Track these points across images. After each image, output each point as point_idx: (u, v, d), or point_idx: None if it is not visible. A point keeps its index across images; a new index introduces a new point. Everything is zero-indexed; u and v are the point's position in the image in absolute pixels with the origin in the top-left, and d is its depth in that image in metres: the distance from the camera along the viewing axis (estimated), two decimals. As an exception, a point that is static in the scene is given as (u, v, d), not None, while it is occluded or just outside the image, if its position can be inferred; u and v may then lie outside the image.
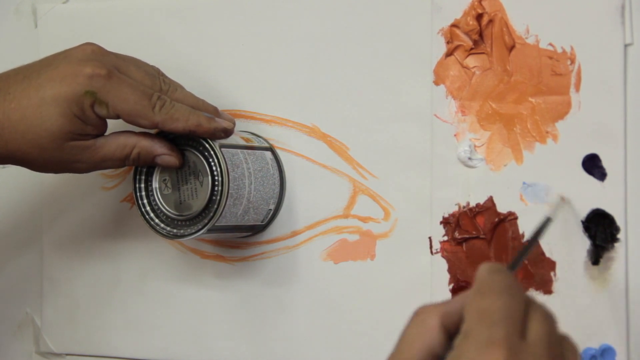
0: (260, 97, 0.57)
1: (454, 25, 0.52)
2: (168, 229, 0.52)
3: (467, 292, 0.35)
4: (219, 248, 0.59)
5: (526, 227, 0.51)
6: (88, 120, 0.49)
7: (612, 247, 0.50)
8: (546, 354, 0.33)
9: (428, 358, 0.34)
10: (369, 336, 0.55)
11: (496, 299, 0.33)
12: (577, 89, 0.50)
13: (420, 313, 0.35)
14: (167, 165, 0.51)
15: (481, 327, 0.33)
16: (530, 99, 0.51)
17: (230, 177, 0.50)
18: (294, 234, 0.57)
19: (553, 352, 0.33)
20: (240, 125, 0.57)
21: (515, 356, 0.32)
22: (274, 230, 0.57)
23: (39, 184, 0.63)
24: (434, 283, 0.53)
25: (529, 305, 0.35)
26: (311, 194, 0.56)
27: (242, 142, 0.54)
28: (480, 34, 0.52)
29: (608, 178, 0.50)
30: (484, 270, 0.35)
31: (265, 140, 0.57)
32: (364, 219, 0.55)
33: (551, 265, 0.51)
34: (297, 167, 0.56)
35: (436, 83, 0.53)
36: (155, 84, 0.51)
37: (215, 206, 0.50)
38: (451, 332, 0.35)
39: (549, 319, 0.35)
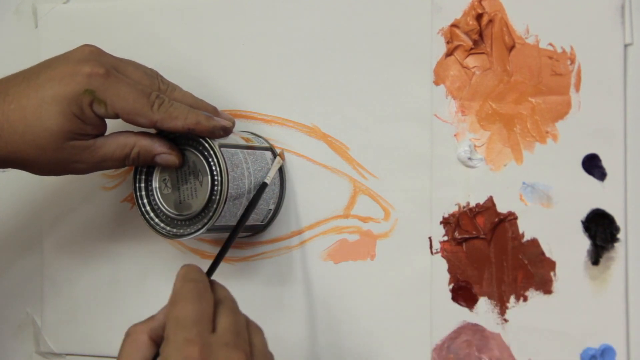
0: (261, 97, 0.57)
1: (453, 25, 0.52)
2: (168, 228, 0.52)
3: (167, 304, 0.42)
4: (218, 248, 0.59)
5: (526, 227, 0.51)
6: (87, 119, 0.49)
7: (612, 247, 0.50)
8: (233, 339, 0.40)
9: None
10: (368, 336, 0.55)
11: (187, 305, 0.41)
12: (577, 89, 0.50)
13: (131, 333, 0.42)
14: (167, 164, 0.51)
15: (177, 331, 0.40)
16: (530, 99, 0.51)
17: (229, 177, 0.50)
18: (294, 234, 0.57)
19: (239, 336, 0.41)
20: (240, 125, 0.57)
21: (208, 348, 0.39)
22: (274, 230, 0.57)
23: (39, 185, 0.63)
24: (434, 283, 0.53)
25: (218, 304, 0.42)
26: (311, 194, 0.56)
27: (242, 142, 0.54)
28: (480, 34, 0.52)
29: (608, 178, 0.50)
30: (178, 278, 0.43)
31: (266, 140, 0.57)
32: (364, 219, 0.55)
33: (551, 265, 0.51)
34: (297, 167, 0.56)
35: (436, 83, 0.53)
36: (154, 83, 0.51)
37: (215, 206, 0.50)
38: (159, 343, 0.42)
39: (232, 311, 0.42)
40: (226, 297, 0.44)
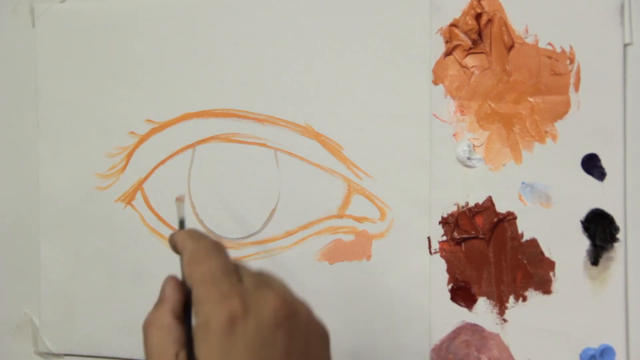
0: (254, 96, 0.57)
1: (453, 25, 0.52)
2: None
3: (171, 280, 0.41)
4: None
5: (525, 227, 0.51)
6: None
7: (612, 247, 0.50)
8: (261, 281, 0.39)
9: (180, 350, 0.38)
10: (367, 336, 0.55)
11: (212, 261, 0.39)
12: (577, 88, 0.50)
13: (151, 323, 0.40)
14: None
15: (209, 288, 0.38)
16: (529, 98, 0.51)
17: None
18: (288, 234, 0.56)
19: (262, 278, 0.40)
20: (233, 124, 0.57)
21: (244, 296, 0.38)
22: (268, 230, 0.57)
23: (35, 185, 0.63)
24: (432, 283, 0.53)
25: (236, 262, 0.41)
26: (305, 194, 0.56)
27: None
28: (479, 34, 0.52)
29: (607, 178, 0.50)
30: (184, 239, 0.41)
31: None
32: (359, 219, 0.55)
33: (550, 265, 0.51)
34: (291, 167, 0.56)
35: (435, 82, 0.53)
36: None
37: None
38: (182, 318, 0.40)
39: (248, 266, 0.41)
40: (241, 262, 0.43)
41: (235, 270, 0.40)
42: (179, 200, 0.49)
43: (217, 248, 0.41)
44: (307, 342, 0.40)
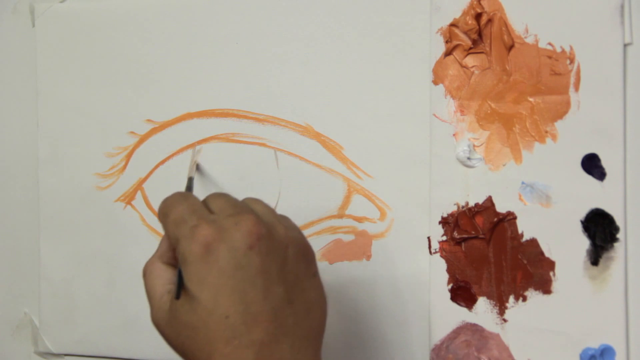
0: (254, 96, 0.57)
1: (453, 25, 0.52)
2: None
3: (163, 235, 0.44)
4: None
5: (525, 227, 0.51)
6: None
7: (612, 247, 0.50)
8: (233, 209, 0.41)
9: (169, 289, 0.42)
10: (367, 336, 0.55)
11: (177, 206, 0.42)
12: (577, 88, 0.50)
13: (146, 270, 0.44)
14: None
15: (180, 228, 0.41)
16: (529, 98, 0.51)
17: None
18: (288, 234, 0.57)
19: (237, 206, 0.42)
20: (233, 124, 0.57)
21: (215, 223, 0.40)
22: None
23: (35, 185, 0.63)
24: (432, 283, 0.53)
25: (207, 198, 0.44)
26: (304, 194, 0.56)
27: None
28: (479, 34, 0.51)
29: (607, 178, 0.49)
30: (161, 203, 0.44)
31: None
32: (359, 219, 0.55)
33: (550, 265, 0.51)
34: (290, 167, 0.56)
35: (435, 82, 0.53)
36: None
37: None
38: (173, 263, 0.44)
39: (220, 194, 0.44)
40: (213, 193, 0.45)
41: (206, 205, 0.43)
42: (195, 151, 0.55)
43: (183, 195, 0.43)
44: (286, 260, 0.41)
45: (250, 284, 0.39)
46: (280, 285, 0.40)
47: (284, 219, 0.44)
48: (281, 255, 0.41)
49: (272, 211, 0.44)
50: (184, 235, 0.40)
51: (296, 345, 0.40)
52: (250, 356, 0.39)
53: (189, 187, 0.52)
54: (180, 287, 0.40)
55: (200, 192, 0.58)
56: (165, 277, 0.43)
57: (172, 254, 0.43)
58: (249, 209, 0.42)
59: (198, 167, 0.58)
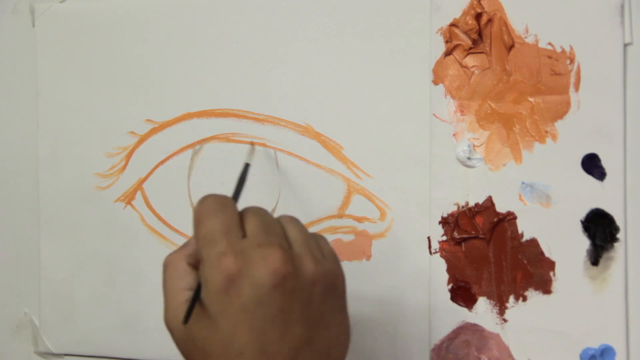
0: (254, 96, 0.57)
1: (453, 25, 0.52)
2: None
3: (193, 226, 0.41)
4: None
5: (525, 227, 0.51)
6: None
7: (612, 247, 0.50)
8: (265, 238, 0.39)
9: (187, 297, 0.41)
10: (366, 336, 0.55)
11: (211, 220, 0.40)
12: (577, 88, 0.50)
13: (169, 263, 0.42)
14: None
15: (209, 249, 0.39)
16: (529, 98, 0.51)
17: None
18: (288, 234, 0.56)
19: (270, 233, 0.40)
20: (233, 124, 0.57)
21: (242, 254, 0.38)
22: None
23: (35, 185, 0.63)
24: (432, 283, 0.53)
25: (243, 212, 0.41)
26: (304, 194, 0.56)
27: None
28: (480, 34, 0.51)
29: (607, 178, 0.49)
30: (197, 203, 0.41)
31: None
32: (359, 219, 0.55)
33: (550, 265, 0.51)
34: (290, 167, 0.56)
35: (435, 82, 0.53)
36: None
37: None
38: (198, 267, 0.41)
39: (257, 213, 0.41)
40: (250, 206, 0.42)
41: (240, 225, 0.40)
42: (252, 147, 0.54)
43: (221, 205, 0.41)
44: (311, 299, 0.40)
45: (270, 323, 0.38)
46: (301, 325, 0.39)
47: (319, 244, 0.43)
48: (306, 294, 0.39)
49: (306, 237, 0.42)
50: (209, 260, 0.39)
51: None
52: None
53: (243, 175, 0.49)
54: (192, 311, 0.39)
55: (200, 193, 0.58)
56: (187, 281, 0.41)
57: (198, 257, 0.42)
58: (280, 238, 0.40)
59: (253, 152, 0.56)
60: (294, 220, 0.43)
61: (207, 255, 0.39)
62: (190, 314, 0.39)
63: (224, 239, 0.39)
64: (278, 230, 0.41)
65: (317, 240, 0.43)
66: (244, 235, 0.40)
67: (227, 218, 0.40)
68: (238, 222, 0.40)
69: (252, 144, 0.57)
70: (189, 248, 0.43)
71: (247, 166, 0.50)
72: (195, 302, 0.39)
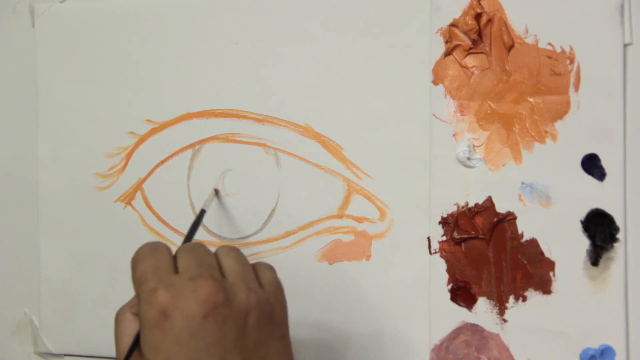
0: (254, 96, 0.57)
1: (452, 25, 0.52)
2: None
3: None
4: (212, 249, 0.59)
5: (525, 227, 0.51)
6: None
7: (612, 247, 0.50)
8: (197, 270, 0.41)
9: (129, 342, 0.42)
10: (366, 337, 0.55)
11: (143, 263, 0.42)
12: (577, 88, 0.50)
13: (117, 316, 0.44)
14: None
15: (141, 288, 0.40)
16: (529, 98, 0.51)
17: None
18: (288, 234, 0.56)
19: (202, 265, 0.41)
20: (233, 124, 0.57)
21: (173, 288, 0.40)
22: (268, 230, 0.57)
23: (34, 185, 0.63)
24: (432, 283, 0.53)
25: (178, 251, 0.43)
26: (304, 194, 0.56)
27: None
28: (479, 34, 0.51)
29: (607, 178, 0.49)
30: (133, 255, 0.43)
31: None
32: (358, 219, 0.55)
33: (550, 265, 0.51)
34: (290, 167, 0.56)
35: (435, 82, 0.53)
36: None
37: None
38: None
39: (190, 249, 0.43)
40: (185, 244, 0.44)
41: (173, 264, 0.42)
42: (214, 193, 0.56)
43: (153, 249, 0.43)
44: (246, 327, 0.40)
45: (205, 352, 0.39)
46: (237, 353, 0.40)
47: (259, 274, 0.44)
48: (240, 323, 0.40)
49: (242, 267, 0.43)
50: (143, 298, 0.40)
51: None
52: None
53: (197, 220, 0.52)
54: (133, 350, 0.41)
55: (200, 193, 0.58)
56: (131, 329, 0.43)
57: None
58: (213, 270, 0.41)
59: (212, 198, 0.58)
60: (232, 251, 0.44)
61: (141, 294, 0.40)
62: (132, 352, 0.41)
63: (155, 277, 0.41)
64: (211, 263, 0.42)
65: (257, 270, 0.44)
66: (177, 272, 0.41)
67: (158, 259, 0.42)
68: (171, 262, 0.42)
69: (215, 190, 0.57)
70: (133, 299, 0.44)
71: (202, 212, 0.53)
72: (135, 344, 0.41)
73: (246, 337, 0.40)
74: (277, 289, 0.44)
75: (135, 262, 0.42)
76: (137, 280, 0.41)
